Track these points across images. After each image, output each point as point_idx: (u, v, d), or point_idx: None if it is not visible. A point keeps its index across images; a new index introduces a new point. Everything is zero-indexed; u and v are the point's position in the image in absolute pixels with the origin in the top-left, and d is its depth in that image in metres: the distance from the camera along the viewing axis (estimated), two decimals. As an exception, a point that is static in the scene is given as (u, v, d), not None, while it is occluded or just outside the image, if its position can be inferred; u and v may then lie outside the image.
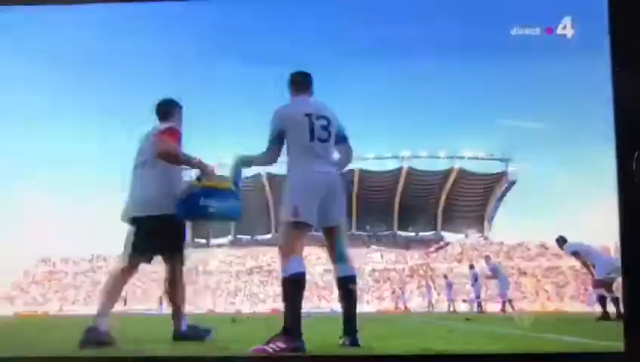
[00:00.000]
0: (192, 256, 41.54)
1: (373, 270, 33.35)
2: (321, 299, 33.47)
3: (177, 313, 2.92)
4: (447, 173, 41.42)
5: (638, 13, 1.61)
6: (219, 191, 2.61)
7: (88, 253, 39.65)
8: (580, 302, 28.60)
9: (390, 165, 41.98)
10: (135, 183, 2.80)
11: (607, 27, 1.62)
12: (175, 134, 2.74)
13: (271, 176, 41.92)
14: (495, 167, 40.98)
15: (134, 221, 2.75)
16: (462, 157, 40.76)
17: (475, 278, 13.02)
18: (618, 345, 1.63)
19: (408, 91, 47.13)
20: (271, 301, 34.68)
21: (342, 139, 2.55)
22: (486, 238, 42.46)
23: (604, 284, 6.14)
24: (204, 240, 46.30)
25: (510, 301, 11.08)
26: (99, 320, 2.58)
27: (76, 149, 47.67)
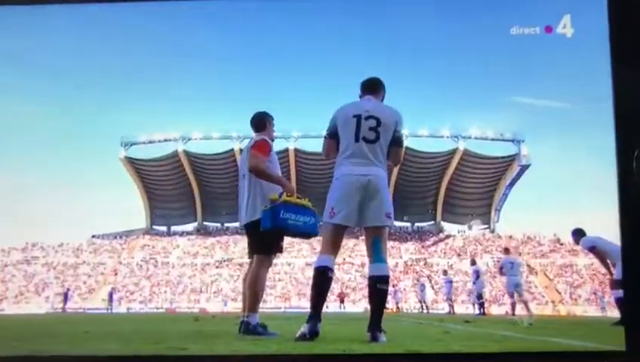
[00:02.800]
0: (150, 246, 41.33)
1: (362, 264, 33.86)
2: (300, 297, 33.91)
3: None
4: (450, 155, 41.87)
5: (637, 11, 1.79)
6: (298, 207, 3.26)
7: (21, 240, 38.99)
8: (595, 305, 29.74)
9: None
10: (240, 193, 3.68)
11: (607, 26, 1.80)
12: (265, 147, 3.53)
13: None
14: (506, 149, 41.64)
15: (244, 227, 3.64)
16: (468, 137, 41.18)
17: (477, 275, 13.33)
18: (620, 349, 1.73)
19: (406, 59, 47.10)
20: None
21: (395, 142, 2.94)
22: (492, 231, 43.43)
23: None
24: (164, 228, 46.05)
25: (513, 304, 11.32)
26: (253, 315, 3.44)
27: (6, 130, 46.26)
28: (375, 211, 2.79)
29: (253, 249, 3.59)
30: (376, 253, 2.82)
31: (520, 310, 10.86)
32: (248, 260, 3.70)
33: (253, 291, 3.47)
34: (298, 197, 3.31)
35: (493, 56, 44.27)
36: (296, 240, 41.34)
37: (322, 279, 2.78)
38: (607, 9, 1.80)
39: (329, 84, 50.13)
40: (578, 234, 6.87)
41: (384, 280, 2.79)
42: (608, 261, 6.51)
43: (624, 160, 1.73)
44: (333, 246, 2.86)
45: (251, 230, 3.53)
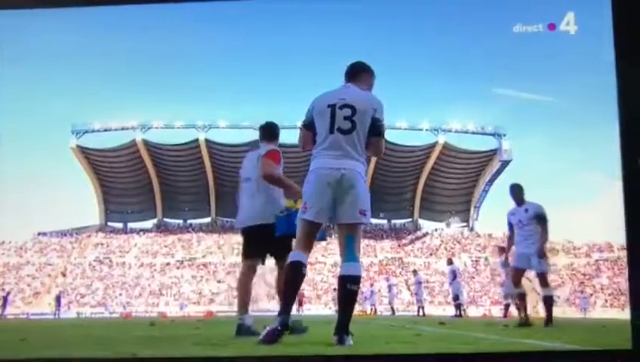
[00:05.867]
0: (105, 244, 40.39)
1: (335, 264, 34.07)
2: (270, 300, 33.82)
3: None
4: (429, 148, 42.52)
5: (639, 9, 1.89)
6: None
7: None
8: (575, 306, 30.85)
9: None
10: (242, 197, 4.06)
11: (611, 23, 1.89)
12: (277, 155, 3.89)
13: (211, 144, 41.09)
14: (487, 143, 42.57)
15: (243, 231, 4.02)
16: (448, 130, 41.88)
17: (454, 276, 13.62)
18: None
19: (387, 47, 47.43)
20: (206, 301, 34.60)
21: (374, 132, 2.93)
22: (471, 229, 44.40)
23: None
24: (119, 225, 45.04)
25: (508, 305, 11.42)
26: (244, 316, 3.84)
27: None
28: (348, 207, 2.80)
29: (259, 250, 3.98)
30: (348, 251, 2.83)
31: (499, 311, 11.10)
32: (240, 262, 4.11)
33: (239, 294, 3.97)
34: None
35: (481, 49, 45.10)
36: (265, 238, 40.86)
37: (295, 274, 2.83)
38: (612, 7, 1.89)
39: (304, 72, 50.00)
40: (521, 192, 5.95)
41: (355, 280, 2.79)
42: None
43: (629, 158, 1.80)
44: (305, 243, 2.90)
45: (259, 232, 3.89)
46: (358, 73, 3.07)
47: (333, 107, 2.88)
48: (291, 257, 2.88)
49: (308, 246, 2.91)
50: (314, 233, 2.92)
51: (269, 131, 4.15)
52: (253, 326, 3.72)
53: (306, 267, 2.87)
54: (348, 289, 2.77)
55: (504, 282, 11.19)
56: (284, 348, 2.46)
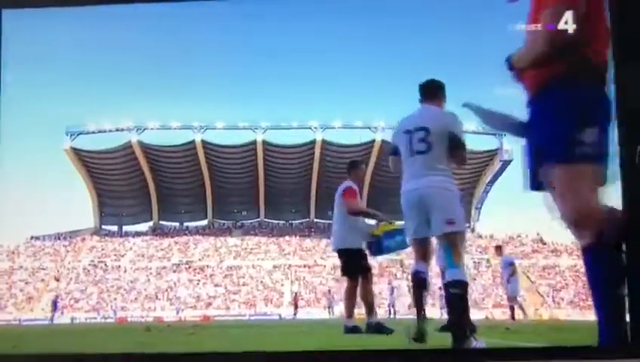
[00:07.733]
0: (99, 248, 40.35)
1: (334, 267, 34.09)
2: (268, 303, 33.80)
3: (372, 312, 4.86)
4: (429, 149, 42.45)
5: (638, 6, 1.93)
6: (392, 232, 4.40)
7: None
8: (579, 308, 30.81)
9: (361, 137, 42.45)
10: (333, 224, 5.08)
11: (609, 21, 1.93)
12: (353, 193, 4.86)
13: (208, 145, 41.01)
14: (487, 143, 42.58)
15: (338, 252, 5.01)
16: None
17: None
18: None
19: (383, 46, 47.49)
20: (203, 306, 34.53)
21: (454, 147, 3.14)
22: (472, 230, 44.41)
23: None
24: (115, 228, 44.99)
25: (521, 306, 11.05)
26: (349, 320, 4.80)
27: None
28: (435, 221, 3.07)
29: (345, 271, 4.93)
30: (448, 260, 3.11)
31: (501, 314, 10.96)
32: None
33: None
34: (389, 223, 4.49)
35: (479, 47, 45.17)
36: (263, 239, 41.01)
37: (416, 285, 3.42)
38: (610, 6, 1.93)
39: (302, 72, 50.03)
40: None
41: (455, 284, 3.04)
42: None
43: (627, 155, 1.83)
44: (419, 255, 3.36)
45: (352, 254, 4.84)
46: (433, 92, 3.29)
47: (410, 133, 3.15)
48: (412, 269, 3.42)
49: (422, 258, 3.35)
50: (423, 246, 3.33)
51: (348, 168, 5.17)
52: (359, 327, 4.66)
53: (423, 274, 3.35)
54: (450, 293, 3.06)
55: (513, 285, 10.54)
56: (282, 348, 2.48)
